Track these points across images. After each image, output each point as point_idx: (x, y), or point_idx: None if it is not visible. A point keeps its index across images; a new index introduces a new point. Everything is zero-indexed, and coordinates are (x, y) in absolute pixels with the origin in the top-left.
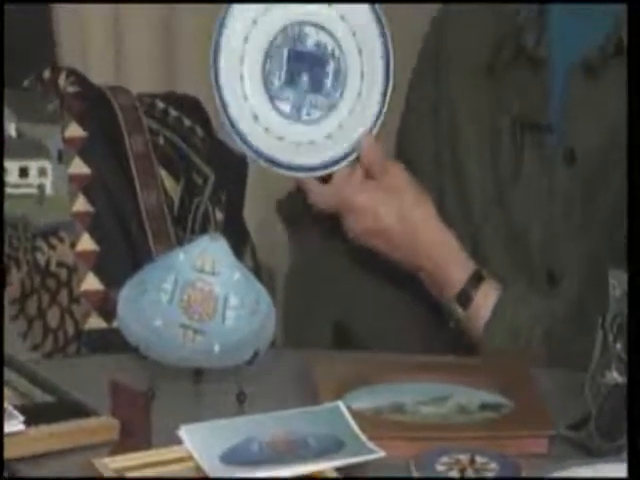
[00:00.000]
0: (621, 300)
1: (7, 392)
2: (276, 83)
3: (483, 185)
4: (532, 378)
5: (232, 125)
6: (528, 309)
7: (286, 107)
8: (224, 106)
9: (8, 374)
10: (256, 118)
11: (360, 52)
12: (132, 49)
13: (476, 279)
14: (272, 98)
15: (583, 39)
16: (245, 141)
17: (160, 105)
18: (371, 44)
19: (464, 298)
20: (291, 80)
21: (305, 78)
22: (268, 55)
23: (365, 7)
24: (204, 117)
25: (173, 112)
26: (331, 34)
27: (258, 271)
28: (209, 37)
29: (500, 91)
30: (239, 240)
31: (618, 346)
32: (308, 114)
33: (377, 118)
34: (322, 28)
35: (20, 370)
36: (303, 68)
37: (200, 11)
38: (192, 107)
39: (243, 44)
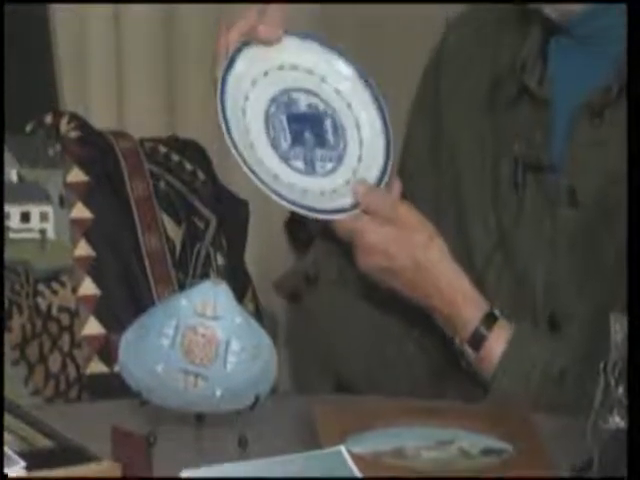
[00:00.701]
0: (623, 344)
1: (8, 437)
2: (284, 145)
3: (485, 227)
4: (533, 423)
5: (263, 183)
6: (541, 350)
7: (300, 164)
8: (250, 168)
9: (9, 419)
10: (277, 177)
11: (349, 106)
12: (134, 94)
13: (489, 319)
14: (285, 159)
15: (586, 79)
16: (280, 195)
17: (162, 149)
18: (359, 97)
19: (477, 339)
20: (296, 139)
21: (308, 135)
22: (268, 123)
23: (345, 65)
24: (206, 161)
25: (175, 156)
26: (318, 97)
27: (259, 315)
28: (210, 82)
29: (501, 130)
30: (240, 284)
31: (620, 391)
32: (322, 167)
33: (386, 162)
34: (308, 92)
35: (21, 415)
36: (304, 128)
37: (202, 55)
38: (194, 151)
39: (243, 117)
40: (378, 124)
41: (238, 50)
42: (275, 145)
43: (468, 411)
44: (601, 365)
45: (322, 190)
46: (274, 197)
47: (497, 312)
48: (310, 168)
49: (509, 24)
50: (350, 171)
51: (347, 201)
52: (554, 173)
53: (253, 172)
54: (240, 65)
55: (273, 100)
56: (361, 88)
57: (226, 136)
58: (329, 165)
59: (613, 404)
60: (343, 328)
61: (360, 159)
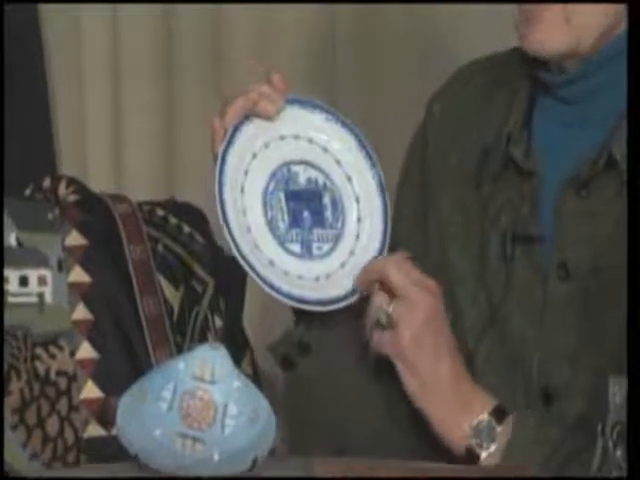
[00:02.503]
0: (621, 407)
1: None
2: (282, 227)
3: (475, 302)
4: None
5: (255, 272)
6: (543, 446)
7: (296, 247)
8: (243, 257)
9: None
10: (272, 264)
11: (349, 179)
12: (132, 157)
13: (494, 420)
14: (281, 243)
15: (572, 149)
16: (272, 286)
17: (160, 212)
18: (359, 168)
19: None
20: (295, 220)
21: (307, 215)
22: (266, 203)
23: (346, 134)
24: (203, 224)
25: (173, 219)
26: (318, 168)
27: (257, 378)
28: (207, 143)
29: (488, 202)
30: (238, 347)
31: (618, 453)
32: (319, 248)
33: (384, 236)
34: (308, 164)
35: None
36: (302, 206)
37: (201, 116)
38: (191, 214)
39: (241, 195)
40: (378, 202)
41: (237, 128)
42: (273, 227)
43: (471, 471)
44: (599, 428)
45: (317, 275)
46: (267, 289)
47: (496, 417)
48: (306, 251)
49: (494, 94)
50: (347, 251)
51: (340, 290)
52: (543, 244)
53: (247, 262)
54: (240, 141)
55: (273, 175)
56: (361, 159)
57: (222, 220)
58: (326, 246)
59: (611, 467)
60: (339, 395)
61: (358, 237)
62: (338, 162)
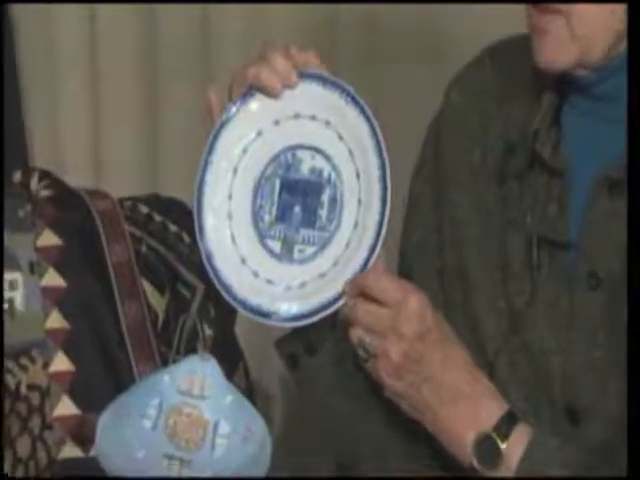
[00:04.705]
0: None
1: None
2: (267, 219)
3: (495, 310)
4: None
5: (215, 275)
6: (562, 468)
7: (276, 246)
8: (208, 255)
9: None
10: (244, 261)
11: (358, 175)
12: (112, 149)
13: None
14: (261, 237)
15: (602, 147)
16: (229, 291)
17: (143, 209)
18: (368, 165)
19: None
20: (283, 215)
21: (297, 211)
22: (258, 188)
23: (363, 123)
24: (191, 222)
25: (157, 217)
26: (327, 157)
27: (251, 392)
28: (194, 137)
29: (510, 202)
30: (230, 358)
31: None
32: (301, 251)
33: (372, 250)
34: (318, 151)
35: None
36: (296, 200)
37: (185, 107)
38: (178, 211)
39: (232, 177)
40: (376, 208)
41: (240, 102)
42: (257, 218)
43: None
44: None
45: (289, 284)
46: (227, 298)
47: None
48: (286, 252)
49: (518, 84)
50: (331, 260)
51: (306, 306)
52: (571, 249)
53: (212, 265)
54: (242, 117)
55: (275, 158)
56: (371, 154)
57: (195, 212)
58: (310, 250)
59: None
60: (341, 403)
61: (347, 246)
62: (351, 153)
